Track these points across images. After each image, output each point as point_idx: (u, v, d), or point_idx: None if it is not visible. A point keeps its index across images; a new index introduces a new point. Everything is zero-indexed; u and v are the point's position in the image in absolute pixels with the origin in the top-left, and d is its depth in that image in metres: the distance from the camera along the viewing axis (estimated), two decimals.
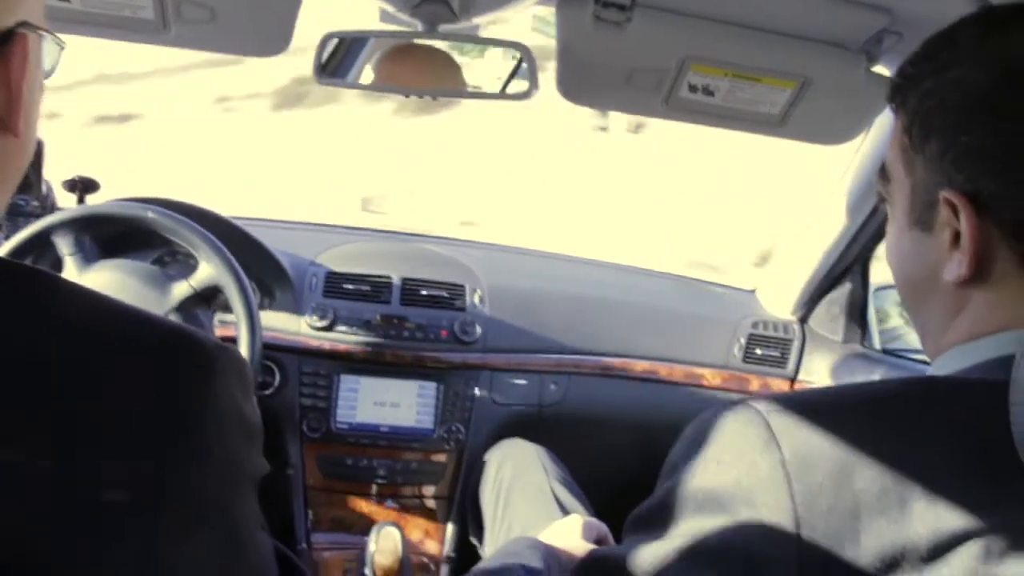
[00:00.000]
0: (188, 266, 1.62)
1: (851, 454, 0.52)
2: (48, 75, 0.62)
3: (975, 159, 0.57)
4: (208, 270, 1.37)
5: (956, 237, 0.58)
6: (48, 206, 1.57)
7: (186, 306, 1.38)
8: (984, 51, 0.58)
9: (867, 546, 0.50)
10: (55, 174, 1.57)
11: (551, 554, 1.04)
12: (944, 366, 0.61)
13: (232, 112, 8.87)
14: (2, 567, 0.46)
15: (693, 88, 1.16)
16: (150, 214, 1.36)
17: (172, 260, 1.62)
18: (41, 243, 1.35)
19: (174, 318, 1.33)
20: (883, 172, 0.67)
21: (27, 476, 0.47)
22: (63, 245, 1.37)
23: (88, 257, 1.39)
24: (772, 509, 0.51)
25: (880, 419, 0.54)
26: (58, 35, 0.63)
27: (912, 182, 0.62)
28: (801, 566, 0.50)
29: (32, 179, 1.50)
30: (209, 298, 1.40)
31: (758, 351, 1.82)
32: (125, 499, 0.48)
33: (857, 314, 1.79)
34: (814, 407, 0.55)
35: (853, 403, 0.56)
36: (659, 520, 0.58)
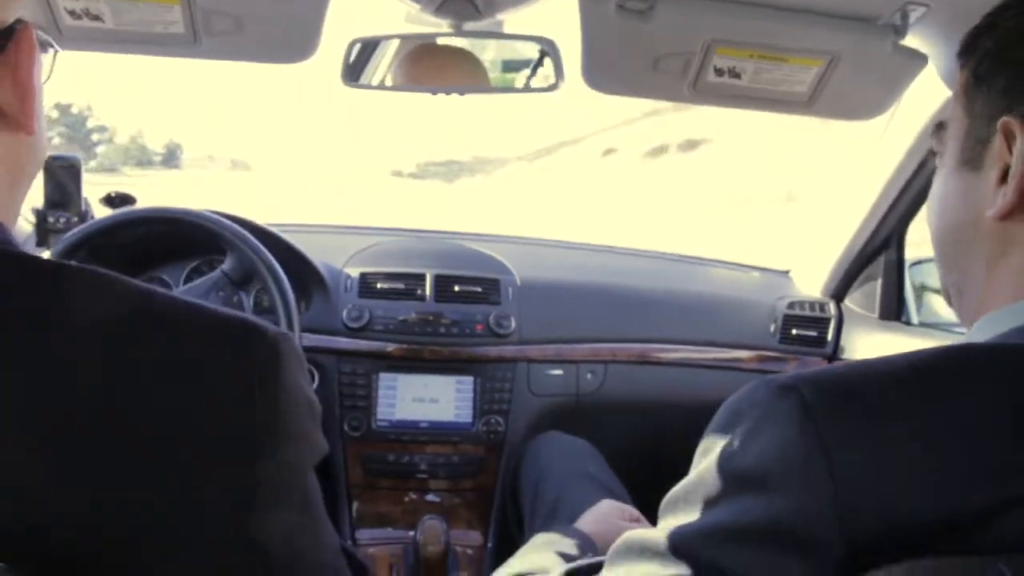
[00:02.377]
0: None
1: (889, 426, 0.52)
2: (44, 82, 0.62)
3: None
4: (248, 268, 1.43)
5: (1005, 174, 0.58)
6: (87, 220, 1.61)
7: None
8: None
9: (913, 517, 0.50)
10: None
11: (588, 540, 1.05)
12: (982, 331, 0.60)
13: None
14: (102, 543, 0.49)
15: (719, 71, 1.16)
16: (198, 217, 1.39)
17: (209, 269, 1.66)
18: (84, 247, 1.38)
19: None
20: (940, 125, 0.67)
21: (120, 452, 0.50)
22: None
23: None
24: (812, 485, 0.51)
25: (917, 389, 0.54)
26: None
27: (969, 121, 0.62)
28: (845, 541, 0.50)
29: (72, 195, 1.53)
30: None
31: (795, 331, 1.81)
32: (216, 476, 0.51)
33: (893, 289, 1.78)
34: (848, 380, 0.55)
35: (888, 374, 0.55)
36: (696, 500, 0.57)
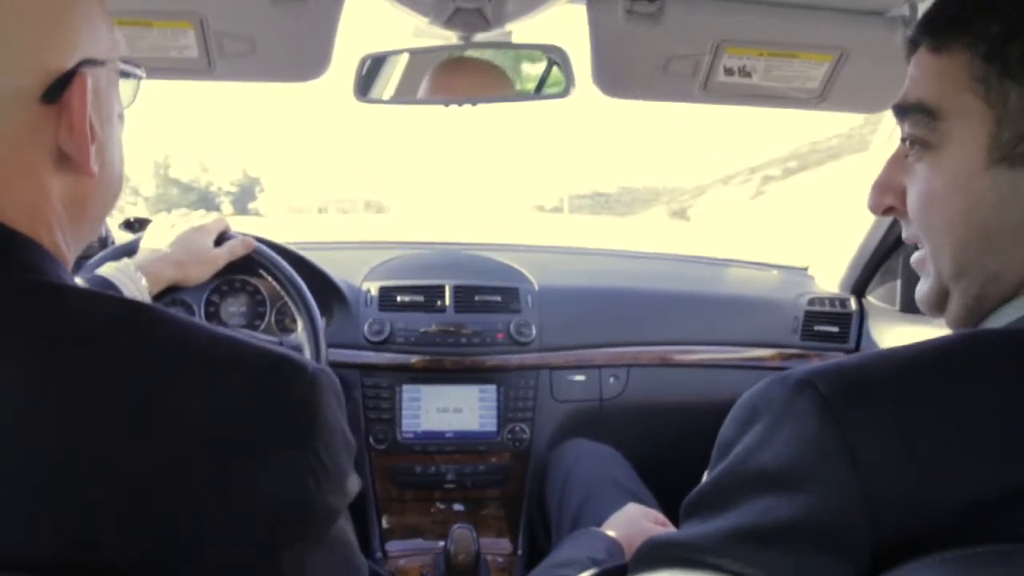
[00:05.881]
0: (246, 293, 1.67)
1: (910, 412, 0.51)
2: (127, 106, 0.61)
3: None
4: (280, 292, 1.43)
5: None
6: (108, 246, 1.62)
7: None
8: None
9: (938, 505, 0.49)
10: None
11: (614, 543, 1.04)
12: (999, 318, 0.60)
13: None
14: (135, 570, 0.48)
15: (729, 71, 1.16)
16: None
17: (229, 289, 1.67)
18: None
19: None
20: (926, 111, 0.61)
21: (152, 486, 0.49)
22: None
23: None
24: (837, 480, 0.50)
25: (936, 374, 0.53)
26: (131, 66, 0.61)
27: (998, 114, 0.57)
28: (874, 534, 0.49)
29: None
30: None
31: (816, 328, 1.80)
32: (250, 512, 0.50)
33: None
34: (864, 371, 0.54)
35: (905, 361, 0.54)
36: (717, 502, 0.57)
